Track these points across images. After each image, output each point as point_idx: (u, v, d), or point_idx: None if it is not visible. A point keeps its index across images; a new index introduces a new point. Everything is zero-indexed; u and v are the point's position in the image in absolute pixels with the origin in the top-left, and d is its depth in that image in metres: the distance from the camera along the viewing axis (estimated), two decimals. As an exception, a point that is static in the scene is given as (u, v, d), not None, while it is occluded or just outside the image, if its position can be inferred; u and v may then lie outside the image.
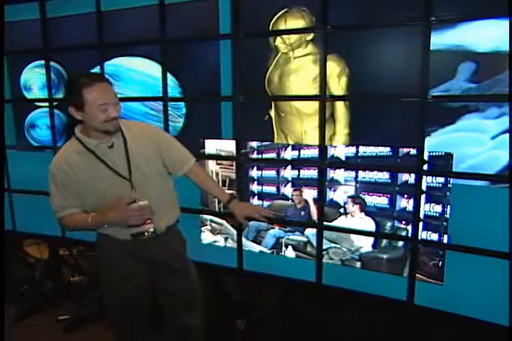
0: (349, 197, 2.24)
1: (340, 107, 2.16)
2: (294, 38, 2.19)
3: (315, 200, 2.33)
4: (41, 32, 2.84)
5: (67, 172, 1.84)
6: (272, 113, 2.33)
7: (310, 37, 2.16)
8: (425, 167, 2.04)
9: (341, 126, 2.17)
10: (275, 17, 2.21)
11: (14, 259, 3.67)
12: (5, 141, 3.14)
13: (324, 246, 2.34)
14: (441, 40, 1.89)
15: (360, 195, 2.21)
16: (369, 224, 2.22)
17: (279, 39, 2.23)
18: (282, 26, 2.21)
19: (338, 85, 2.13)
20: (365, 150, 2.17)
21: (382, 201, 2.17)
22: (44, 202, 3.06)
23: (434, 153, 2.01)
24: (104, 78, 1.81)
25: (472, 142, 1.91)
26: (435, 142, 1.99)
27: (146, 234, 1.87)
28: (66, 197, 1.89)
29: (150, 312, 2.11)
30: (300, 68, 2.21)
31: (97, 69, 2.74)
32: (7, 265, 3.53)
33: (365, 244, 2.25)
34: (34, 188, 3.08)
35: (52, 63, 2.90)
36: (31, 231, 3.27)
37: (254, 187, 2.48)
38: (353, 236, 2.28)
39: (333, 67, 2.13)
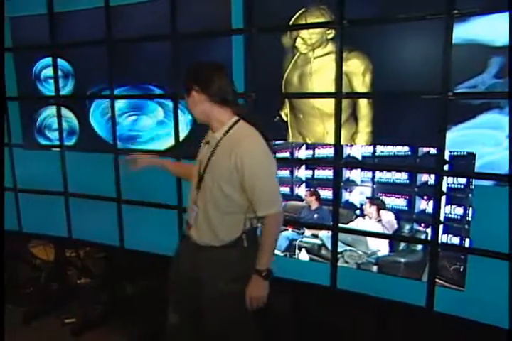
0: (367, 198, 2.16)
1: (364, 105, 2.09)
2: (315, 37, 2.13)
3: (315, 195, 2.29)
4: (48, 27, 2.79)
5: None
6: (288, 114, 2.28)
7: (331, 35, 2.10)
8: (446, 167, 1.97)
9: (364, 124, 2.10)
10: (294, 17, 2.16)
11: (20, 261, 3.63)
12: (4, 140, 3.08)
13: (339, 249, 2.27)
14: (469, 33, 1.82)
15: (379, 196, 2.14)
16: (388, 227, 2.15)
17: (299, 40, 2.17)
18: (306, 28, 2.15)
19: (362, 83, 2.07)
20: (382, 150, 2.10)
21: (400, 202, 2.10)
22: (51, 202, 3.08)
23: (455, 153, 1.94)
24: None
25: (488, 140, 1.85)
26: (449, 139, 1.94)
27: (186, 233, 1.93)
28: None
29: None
30: (321, 68, 2.15)
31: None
32: (13, 266, 3.50)
33: (382, 247, 2.18)
34: (41, 188, 3.03)
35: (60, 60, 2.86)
36: (37, 231, 3.21)
37: (267, 188, 2.41)
38: (369, 239, 2.20)
39: (357, 64, 2.06)
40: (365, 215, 2.18)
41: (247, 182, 1.72)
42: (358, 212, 2.20)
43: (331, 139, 2.20)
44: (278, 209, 1.78)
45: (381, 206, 2.14)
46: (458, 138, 1.91)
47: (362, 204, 2.19)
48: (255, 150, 1.74)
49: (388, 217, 2.14)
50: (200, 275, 1.87)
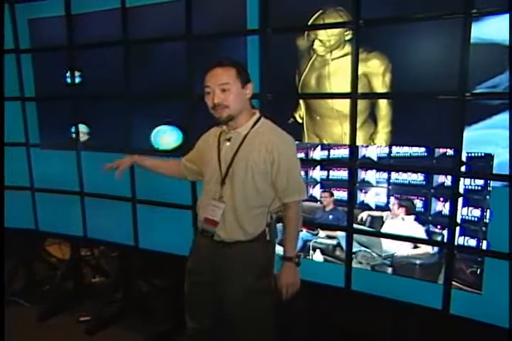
0: (396, 198, 2.13)
1: (383, 106, 2.07)
2: (333, 39, 2.12)
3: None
4: (65, 28, 2.82)
5: (202, 144, 2.01)
6: (303, 116, 2.27)
7: (348, 37, 2.09)
8: (463, 168, 1.94)
9: (382, 125, 2.09)
10: (312, 19, 2.15)
11: (36, 259, 3.67)
12: (4, 140, 3.11)
13: (354, 250, 2.26)
14: (487, 32, 1.79)
15: (409, 198, 2.11)
16: (415, 229, 2.11)
17: (317, 42, 2.16)
18: (321, 29, 2.14)
19: (382, 83, 2.05)
20: (398, 151, 2.08)
21: (416, 204, 2.08)
22: (67, 201, 3.10)
23: (472, 154, 1.91)
24: (225, 63, 1.76)
25: (506, 141, 1.82)
26: (467, 140, 1.92)
27: (208, 233, 1.88)
28: (190, 156, 2.08)
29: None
30: (339, 70, 2.14)
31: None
32: (29, 265, 3.54)
33: (401, 248, 2.15)
34: (57, 187, 3.05)
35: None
36: (53, 230, 3.24)
37: (281, 189, 2.40)
38: (385, 240, 2.19)
39: (377, 65, 2.04)
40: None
41: (282, 169, 1.79)
42: (371, 212, 2.19)
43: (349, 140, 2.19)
44: (305, 194, 1.92)
45: (410, 208, 2.10)
46: (475, 139, 1.89)
47: (384, 205, 2.16)
48: (288, 140, 1.86)
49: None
50: (224, 274, 1.87)
